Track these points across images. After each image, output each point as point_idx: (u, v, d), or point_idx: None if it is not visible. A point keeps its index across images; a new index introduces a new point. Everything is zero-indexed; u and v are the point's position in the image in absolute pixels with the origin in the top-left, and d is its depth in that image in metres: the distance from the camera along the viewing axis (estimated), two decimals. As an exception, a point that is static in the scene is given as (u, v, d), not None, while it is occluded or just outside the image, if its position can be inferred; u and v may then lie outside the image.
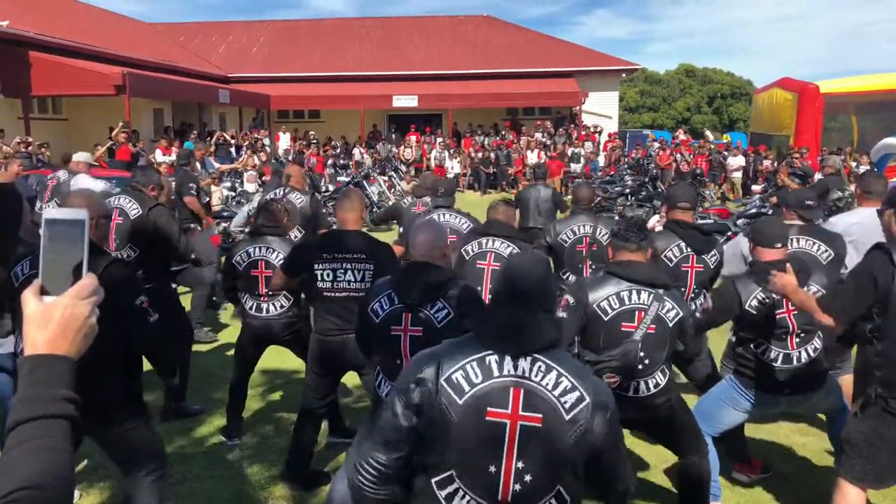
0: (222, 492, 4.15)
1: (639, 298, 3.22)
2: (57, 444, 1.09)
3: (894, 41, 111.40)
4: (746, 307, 3.59)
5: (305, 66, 28.23)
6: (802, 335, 3.62)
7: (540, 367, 1.94)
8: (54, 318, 1.14)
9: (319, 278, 3.82)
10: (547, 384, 1.92)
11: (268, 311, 4.55)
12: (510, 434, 1.91)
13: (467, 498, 1.94)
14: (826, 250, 4.36)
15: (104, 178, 9.31)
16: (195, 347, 6.70)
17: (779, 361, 3.63)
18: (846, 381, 4.39)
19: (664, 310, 3.20)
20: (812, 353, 3.65)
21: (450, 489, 1.96)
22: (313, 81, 27.13)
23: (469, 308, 2.85)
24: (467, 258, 4.47)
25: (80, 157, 8.54)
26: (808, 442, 4.71)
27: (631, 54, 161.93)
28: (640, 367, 3.22)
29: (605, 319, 3.23)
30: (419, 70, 27.24)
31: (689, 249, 4.25)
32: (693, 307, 4.22)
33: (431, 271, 2.92)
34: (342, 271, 3.78)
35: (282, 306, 4.55)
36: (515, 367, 1.94)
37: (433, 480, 1.98)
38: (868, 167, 15.41)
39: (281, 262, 4.45)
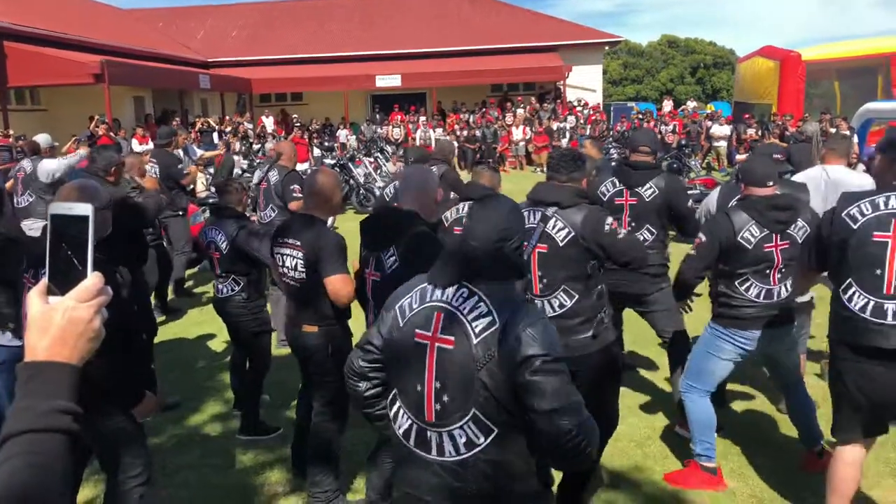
0: (218, 480, 4.14)
1: (532, 218, 3.35)
2: (44, 460, 1.01)
3: (875, 6, 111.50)
4: (739, 238, 3.58)
5: (286, 49, 27.88)
6: (784, 270, 3.64)
7: (463, 293, 2.02)
8: (54, 322, 1.07)
9: (278, 263, 3.81)
10: (464, 308, 2.00)
11: (221, 292, 4.59)
12: (430, 355, 2.01)
13: (406, 416, 2.07)
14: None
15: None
16: (182, 336, 6.69)
17: (761, 297, 3.64)
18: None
19: (552, 228, 3.31)
20: (789, 289, 3.69)
21: (395, 407, 2.11)
22: (294, 63, 26.86)
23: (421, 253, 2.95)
24: (447, 224, 4.40)
25: (40, 139, 8.21)
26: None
27: (614, 27, 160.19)
28: (539, 285, 3.36)
29: None
30: (401, 49, 27.00)
31: (621, 184, 4.49)
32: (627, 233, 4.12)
33: (397, 217, 3.16)
34: (283, 257, 3.74)
35: (231, 289, 4.51)
36: (443, 294, 2.05)
37: (389, 398, 2.16)
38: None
39: (225, 244, 4.47)
